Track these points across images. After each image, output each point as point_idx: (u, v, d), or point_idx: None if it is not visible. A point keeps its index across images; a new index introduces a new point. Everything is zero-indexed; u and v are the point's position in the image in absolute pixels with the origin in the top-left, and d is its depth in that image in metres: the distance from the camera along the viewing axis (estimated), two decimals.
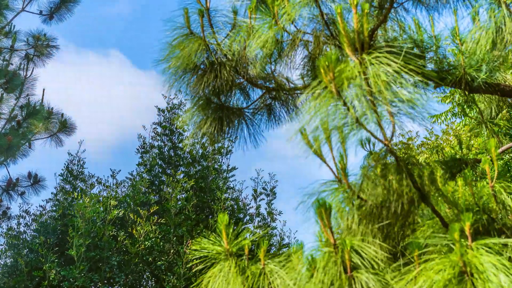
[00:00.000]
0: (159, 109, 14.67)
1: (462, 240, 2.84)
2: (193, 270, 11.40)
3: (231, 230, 3.56)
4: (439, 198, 3.51)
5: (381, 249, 3.20)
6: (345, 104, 2.98)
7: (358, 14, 3.01)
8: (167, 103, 14.72)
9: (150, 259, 12.08)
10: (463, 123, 10.90)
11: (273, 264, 3.50)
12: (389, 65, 2.91)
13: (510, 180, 3.54)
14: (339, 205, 3.39)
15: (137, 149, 14.54)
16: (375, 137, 3.09)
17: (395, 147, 3.20)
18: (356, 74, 2.93)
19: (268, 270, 3.49)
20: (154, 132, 14.58)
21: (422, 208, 3.43)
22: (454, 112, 10.72)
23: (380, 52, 2.97)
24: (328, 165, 3.30)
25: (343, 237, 3.25)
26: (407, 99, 2.91)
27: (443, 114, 11.06)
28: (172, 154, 14.25)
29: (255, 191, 14.47)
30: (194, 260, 3.62)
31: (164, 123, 14.53)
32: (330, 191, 3.35)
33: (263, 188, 14.52)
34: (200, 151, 14.16)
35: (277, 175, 14.70)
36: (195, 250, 3.56)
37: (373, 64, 2.95)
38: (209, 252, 3.58)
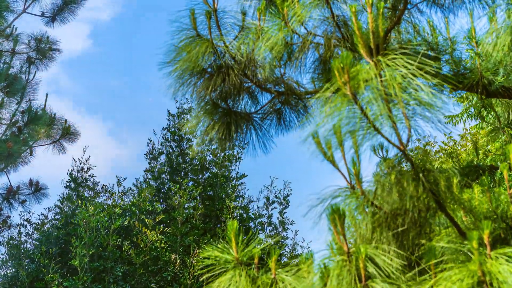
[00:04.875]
0: (169, 113, 14.53)
1: (481, 248, 2.77)
2: (201, 279, 11.27)
3: (240, 239, 3.47)
4: (456, 206, 3.43)
5: (396, 257, 3.11)
6: (360, 107, 2.89)
7: (373, 14, 2.92)
8: (177, 108, 14.59)
9: (155, 269, 11.93)
10: (480, 126, 10.78)
11: (284, 273, 3.41)
12: (405, 67, 2.83)
13: None
14: (352, 212, 3.30)
15: (146, 155, 14.40)
16: (391, 142, 3.01)
17: (410, 153, 3.11)
18: (372, 76, 2.84)
19: (280, 279, 3.39)
20: (163, 138, 14.44)
21: (438, 215, 3.34)
22: (470, 113, 10.60)
23: (395, 54, 2.88)
24: (340, 171, 3.22)
25: (357, 245, 3.16)
26: (424, 102, 2.83)
27: (459, 115, 10.94)
28: (181, 161, 14.10)
29: (268, 199, 14.31)
30: (202, 269, 3.52)
31: (173, 129, 14.37)
32: (343, 197, 3.26)
33: (276, 197, 14.35)
34: (209, 158, 13.99)
35: (291, 183, 14.51)
36: (204, 258, 3.47)
37: (389, 66, 2.87)
38: (218, 260, 3.49)
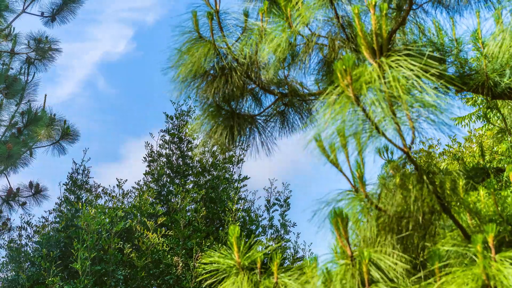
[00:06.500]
0: (167, 115, 14.47)
1: (485, 252, 2.73)
2: (203, 285, 11.20)
3: (242, 243, 3.44)
4: (461, 208, 3.39)
5: (400, 261, 3.07)
6: (363, 110, 2.85)
7: (376, 15, 2.89)
8: (175, 109, 14.52)
9: (157, 272, 11.87)
10: (486, 127, 10.69)
11: (287, 277, 3.37)
12: (409, 69, 2.79)
13: None
14: (356, 215, 3.26)
15: (144, 158, 14.33)
16: (395, 145, 2.98)
17: (415, 155, 3.07)
18: (375, 78, 2.80)
19: (282, 284, 3.36)
20: (162, 140, 14.35)
21: (443, 218, 3.30)
22: (479, 114, 10.51)
23: (399, 56, 2.84)
24: (344, 174, 3.19)
25: (360, 248, 3.13)
26: (428, 104, 2.79)
27: (467, 117, 10.86)
28: (181, 163, 14.03)
29: (268, 201, 14.24)
30: (204, 274, 3.49)
31: (172, 131, 14.31)
32: (346, 200, 3.22)
33: (276, 199, 14.28)
34: (210, 160, 13.91)
35: (291, 185, 14.45)
36: (205, 263, 3.44)
37: (392, 67, 2.83)
38: (220, 265, 3.45)
